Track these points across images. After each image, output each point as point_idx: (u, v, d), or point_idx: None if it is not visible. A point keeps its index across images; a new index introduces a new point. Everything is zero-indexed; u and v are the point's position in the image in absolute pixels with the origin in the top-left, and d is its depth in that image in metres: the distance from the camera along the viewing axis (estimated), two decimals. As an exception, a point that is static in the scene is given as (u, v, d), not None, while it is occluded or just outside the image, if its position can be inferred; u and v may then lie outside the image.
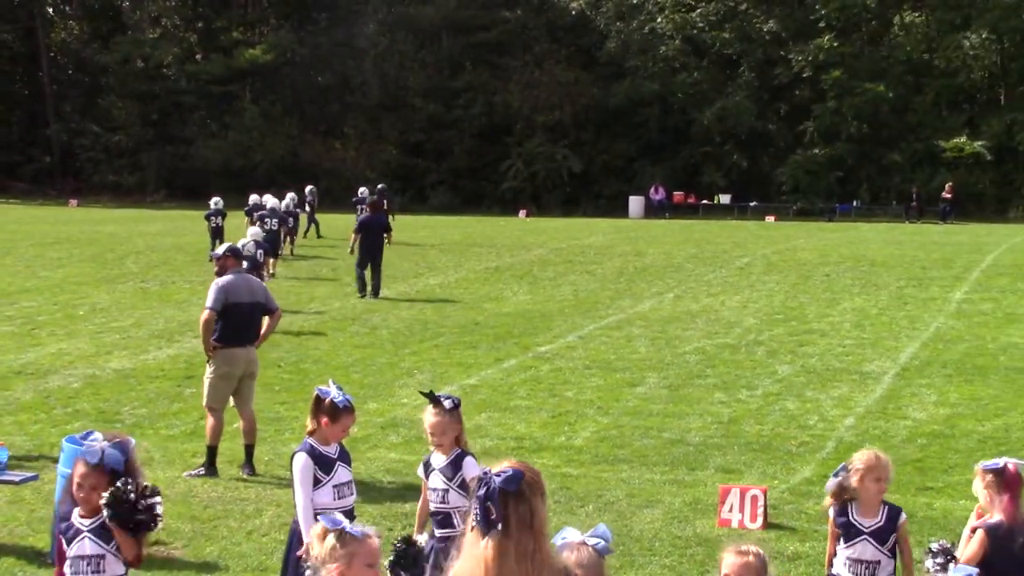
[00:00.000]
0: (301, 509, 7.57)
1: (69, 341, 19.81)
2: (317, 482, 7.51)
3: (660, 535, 10.16)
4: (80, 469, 6.03)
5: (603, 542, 4.76)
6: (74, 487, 6.06)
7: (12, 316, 22.42)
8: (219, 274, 12.84)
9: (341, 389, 7.66)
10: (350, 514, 7.63)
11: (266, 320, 12.86)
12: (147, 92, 72.85)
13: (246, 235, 25.26)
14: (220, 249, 13.19)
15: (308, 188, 42.26)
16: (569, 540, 4.74)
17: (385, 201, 38.90)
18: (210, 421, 12.47)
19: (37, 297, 25.01)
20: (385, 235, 27.26)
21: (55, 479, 10.04)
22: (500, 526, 3.97)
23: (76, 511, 6.11)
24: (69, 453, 9.63)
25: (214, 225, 34.12)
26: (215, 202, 34.63)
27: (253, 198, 36.19)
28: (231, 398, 12.63)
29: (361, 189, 37.36)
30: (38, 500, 11.00)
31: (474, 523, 4.01)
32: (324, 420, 7.56)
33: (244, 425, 12.58)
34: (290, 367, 17.80)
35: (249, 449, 12.46)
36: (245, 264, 14.05)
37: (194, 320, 21.50)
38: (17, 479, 10.19)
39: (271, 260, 25.32)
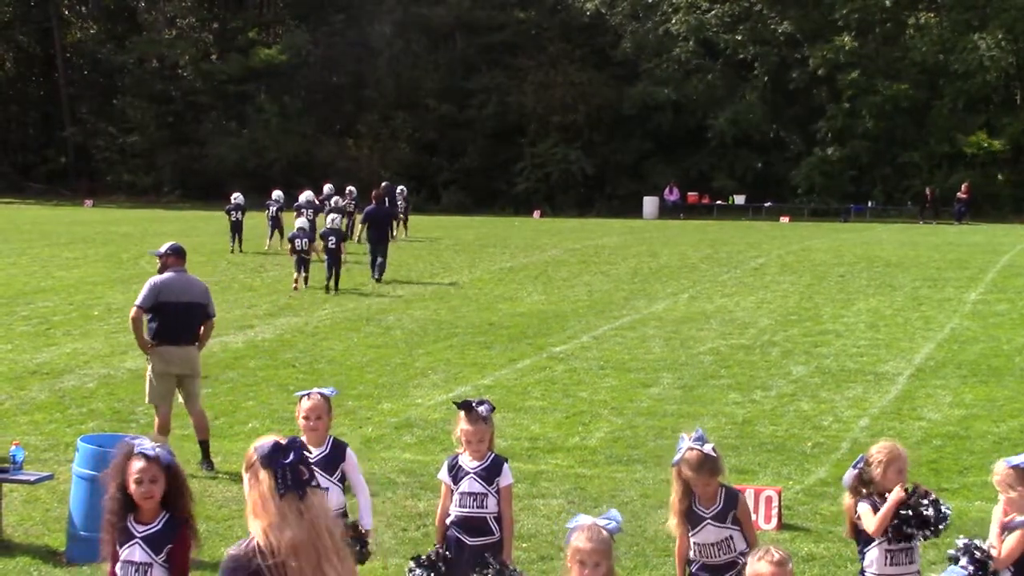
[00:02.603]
0: None
1: (84, 341, 19.87)
2: None
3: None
4: (138, 464, 6.01)
5: (614, 523, 5.39)
6: (131, 483, 6.02)
7: (27, 316, 22.49)
8: (160, 271, 12.84)
9: (332, 390, 7.74)
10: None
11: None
12: (162, 92, 73.03)
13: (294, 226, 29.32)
14: (163, 247, 13.02)
15: (348, 189, 42.82)
16: (582, 523, 5.30)
17: (400, 199, 40.79)
18: (156, 420, 12.60)
19: (52, 297, 25.08)
20: (397, 223, 28.45)
21: (70, 479, 10.08)
22: (313, 483, 4.40)
23: (131, 516, 6.10)
24: (84, 453, 9.70)
25: (234, 219, 35.90)
26: (235, 197, 36.62)
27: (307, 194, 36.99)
28: (179, 398, 12.70)
29: (385, 185, 38.04)
30: (53, 499, 11.03)
31: (283, 490, 4.31)
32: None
33: (193, 422, 12.70)
34: (304, 367, 17.83)
35: (204, 445, 12.58)
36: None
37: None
38: (32, 478, 10.23)
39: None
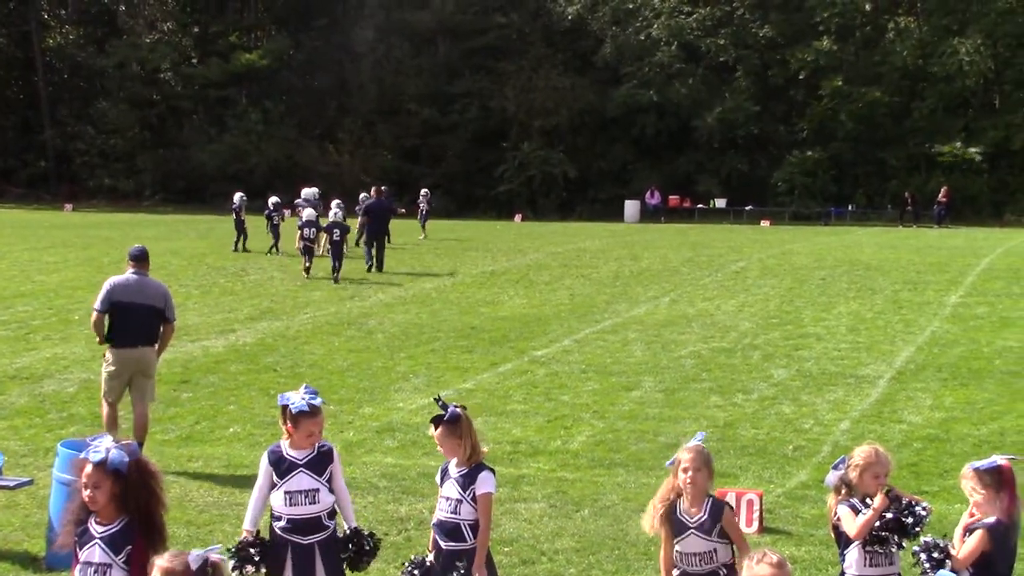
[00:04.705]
0: (249, 503, 7.65)
1: (64, 345, 19.78)
2: (274, 485, 7.51)
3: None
4: (86, 469, 6.09)
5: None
6: (81, 487, 6.11)
7: (7, 321, 22.39)
8: None
9: (314, 393, 7.61)
10: (308, 523, 7.48)
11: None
12: (143, 96, 72.90)
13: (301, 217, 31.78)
14: (132, 249, 13.15)
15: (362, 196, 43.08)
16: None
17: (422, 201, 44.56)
18: (103, 411, 12.80)
19: (32, 302, 24.98)
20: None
21: (50, 484, 10.03)
22: None
23: (93, 517, 6.14)
24: (64, 457, 9.64)
25: (236, 218, 37.31)
26: (239, 197, 37.99)
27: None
28: (129, 394, 12.88)
29: (385, 189, 38.41)
30: (33, 504, 10.98)
31: None
32: (288, 427, 7.55)
33: (134, 421, 12.83)
34: (285, 371, 17.79)
35: (139, 446, 12.52)
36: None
37: (189, 325, 21.58)
38: (12, 483, 10.17)
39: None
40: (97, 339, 13.00)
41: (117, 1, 78.85)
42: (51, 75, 77.63)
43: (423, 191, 45.59)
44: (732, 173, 64.19)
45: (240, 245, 36.97)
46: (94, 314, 12.75)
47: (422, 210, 44.07)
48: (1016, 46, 60.62)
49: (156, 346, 12.97)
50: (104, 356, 12.86)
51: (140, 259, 12.95)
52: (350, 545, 7.59)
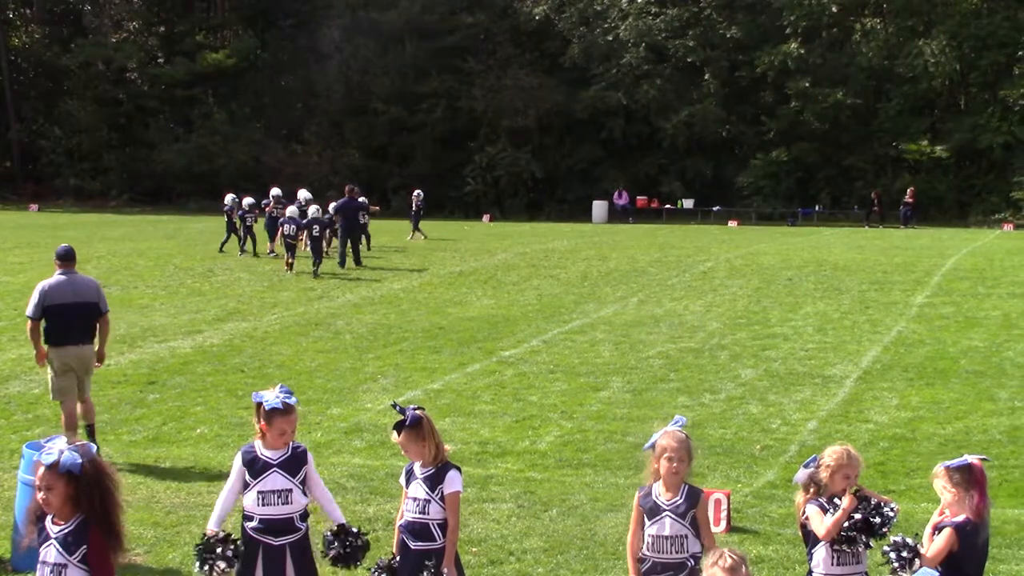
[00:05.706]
0: (217, 503, 7.62)
1: (29, 347, 19.57)
2: (247, 484, 7.49)
3: (624, 539, 10.13)
4: (39, 471, 6.08)
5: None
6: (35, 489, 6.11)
7: (-28, 321, 22.23)
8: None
9: (289, 392, 7.59)
10: (281, 524, 7.46)
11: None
12: (109, 96, 72.47)
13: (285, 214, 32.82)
14: (58, 249, 13.22)
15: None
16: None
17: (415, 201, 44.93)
18: (63, 412, 12.89)
19: (-3, 302, 24.82)
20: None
21: (15, 486, 9.96)
22: None
23: (50, 517, 6.12)
24: (29, 459, 9.58)
25: (228, 220, 37.59)
26: (231, 198, 38.08)
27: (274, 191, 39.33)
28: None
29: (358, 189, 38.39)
30: (-2, 507, 10.92)
31: None
32: (262, 424, 7.52)
33: (82, 411, 12.98)
34: (253, 372, 17.73)
35: (90, 428, 12.89)
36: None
37: (156, 326, 21.50)
38: (-24, 486, 10.10)
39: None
40: (34, 349, 13.05)
41: (83, 0, 78.31)
42: (16, 74, 77.01)
43: (416, 192, 45.87)
44: (697, 177, 64.40)
45: (244, 246, 36.68)
46: (28, 323, 12.83)
47: (413, 211, 44.43)
48: (981, 47, 61.00)
49: (95, 343, 13.07)
50: (48, 360, 12.88)
51: (67, 258, 13.06)
52: (336, 543, 7.53)
